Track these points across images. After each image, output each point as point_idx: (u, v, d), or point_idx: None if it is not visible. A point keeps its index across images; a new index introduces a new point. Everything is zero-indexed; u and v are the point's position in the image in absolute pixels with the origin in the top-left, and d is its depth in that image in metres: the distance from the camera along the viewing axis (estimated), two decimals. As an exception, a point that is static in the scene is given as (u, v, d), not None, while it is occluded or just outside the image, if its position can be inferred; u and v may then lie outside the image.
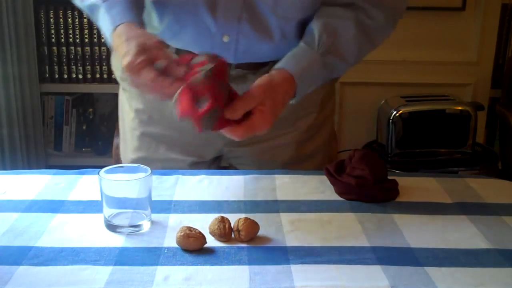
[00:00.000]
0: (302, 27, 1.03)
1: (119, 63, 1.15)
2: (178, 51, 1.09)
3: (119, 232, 0.83)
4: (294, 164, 1.16)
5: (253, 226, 0.82)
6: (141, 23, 0.95)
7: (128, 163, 1.19)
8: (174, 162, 1.14)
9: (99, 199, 0.85)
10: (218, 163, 1.20)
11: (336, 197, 0.97)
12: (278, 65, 0.96)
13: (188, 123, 1.11)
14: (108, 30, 0.94)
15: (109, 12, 0.95)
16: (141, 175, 0.85)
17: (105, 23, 0.96)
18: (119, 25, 0.92)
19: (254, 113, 0.88)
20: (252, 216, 0.85)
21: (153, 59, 0.84)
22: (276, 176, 1.04)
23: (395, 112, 2.21)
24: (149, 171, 0.85)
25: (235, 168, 1.20)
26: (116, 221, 0.84)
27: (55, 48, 2.49)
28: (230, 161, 1.19)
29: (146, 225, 0.85)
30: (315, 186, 1.01)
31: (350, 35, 0.98)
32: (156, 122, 1.14)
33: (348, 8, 1.00)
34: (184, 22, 1.02)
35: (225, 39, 1.01)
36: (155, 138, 1.16)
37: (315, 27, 0.99)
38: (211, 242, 0.81)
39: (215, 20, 1.00)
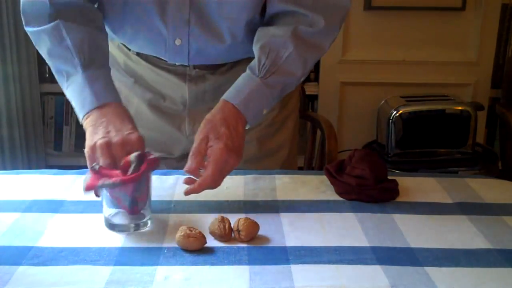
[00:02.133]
0: (251, 29, 1.04)
1: None
2: (138, 54, 1.12)
3: (119, 231, 0.83)
4: (258, 160, 1.17)
5: (253, 226, 0.82)
6: (121, 102, 0.95)
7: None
8: None
9: (99, 199, 0.85)
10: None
11: (336, 197, 0.97)
12: (223, 97, 0.97)
13: (155, 121, 1.13)
14: (86, 103, 0.91)
15: (91, 84, 0.92)
16: None
17: (82, 93, 0.92)
18: (107, 103, 0.91)
19: (209, 154, 0.90)
20: (252, 216, 0.85)
21: (113, 157, 0.85)
22: (276, 176, 1.04)
23: (395, 112, 2.21)
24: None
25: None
26: (116, 220, 0.84)
27: (55, 48, 2.48)
28: None
29: (146, 224, 0.85)
30: (315, 186, 1.01)
31: (289, 51, 0.98)
32: None
33: (286, 22, 1.00)
34: (137, 28, 1.04)
35: (177, 42, 1.03)
36: None
37: (255, 51, 1.00)
38: (211, 242, 0.81)
39: (165, 25, 1.01)
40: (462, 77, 2.49)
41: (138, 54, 1.12)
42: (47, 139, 2.61)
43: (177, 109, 1.14)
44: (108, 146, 0.85)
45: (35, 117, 2.47)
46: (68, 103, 2.70)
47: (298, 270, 0.74)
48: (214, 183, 0.89)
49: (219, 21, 1.01)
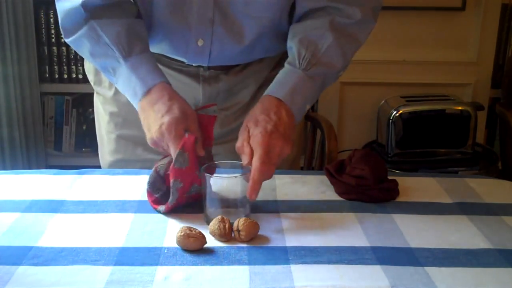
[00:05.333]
0: (275, 29, 1.04)
1: (92, 67, 1.16)
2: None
3: None
4: None
5: (253, 226, 0.82)
6: (170, 85, 0.95)
7: (106, 165, 1.20)
8: (151, 162, 1.14)
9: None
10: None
11: (336, 197, 0.97)
12: (265, 93, 0.97)
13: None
14: (137, 90, 0.93)
15: (135, 71, 0.94)
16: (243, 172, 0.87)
17: (130, 82, 0.95)
18: (154, 85, 0.92)
19: (251, 144, 0.88)
20: (252, 216, 0.85)
21: (188, 128, 0.88)
22: (276, 176, 1.04)
23: (395, 112, 2.21)
24: (250, 168, 0.86)
25: None
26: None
27: (55, 48, 2.48)
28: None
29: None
30: (315, 186, 1.01)
31: (329, 43, 0.98)
32: (132, 125, 1.14)
33: (321, 15, 1.00)
34: (158, 29, 1.03)
35: (200, 43, 1.02)
36: (131, 140, 1.16)
37: (293, 45, 0.99)
38: (211, 242, 0.81)
39: (188, 25, 1.00)
40: (462, 77, 2.49)
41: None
42: (47, 139, 2.61)
43: None
44: (162, 133, 0.88)
45: (35, 117, 2.47)
46: (68, 103, 2.70)
47: (298, 270, 0.74)
48: (265, 167, 0.85)
49: (244, 20, 1.00)
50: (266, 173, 0.86)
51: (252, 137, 0.88)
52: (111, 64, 0.97)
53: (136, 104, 0.94)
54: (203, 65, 1.07)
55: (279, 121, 0.91)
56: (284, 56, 1.13)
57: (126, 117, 1.15)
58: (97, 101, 1.22)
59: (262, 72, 1.12)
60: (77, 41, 0.99)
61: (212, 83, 1.10)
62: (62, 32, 1.01)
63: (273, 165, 0.87)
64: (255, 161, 0.85)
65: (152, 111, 0.90)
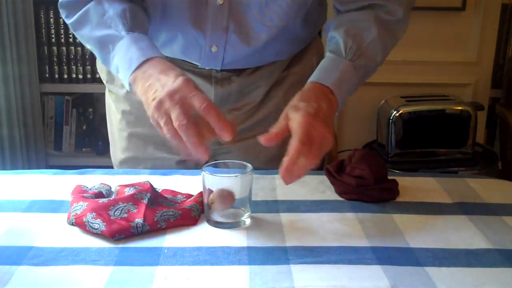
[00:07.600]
0: (288, 34, 1.05)
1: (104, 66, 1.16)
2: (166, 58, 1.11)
3: (219, 228, 0.85)
4: (279, 159, 1.16)
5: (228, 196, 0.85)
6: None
7: (118, 163, 1.21)
8: (162, 160, 1.15)
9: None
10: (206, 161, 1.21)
11: (336, 197, 0.97)
12: (311, 79, 0.93)
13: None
14: (134, 61, 0.89)
15: (136, 43, 0.91)
16: (243, 172, 0.87)
17: (127, 53, 0.90)
18: (154, 57, 0.89)
19: (290, 127, 0.82)
20: (252, 216, 0.85)
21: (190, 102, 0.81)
22: (276, 176, 1.04)
23: (395, 112, 2.21)
24: (250, 168, 0.87)
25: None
26: (216, 218, 0.86)
27: (55, 48, 2.49)
28: (217, 159, 1.21)
29: (247, 221, 0.87)
30: (315, 186, 1.01)
31: (373, 36, 0.98)
32: (143, 123, 1.14)
33: (366, 9, 1.00)
34: (173, 34, 1.04)
35: (213, 49, 1.03)
36: (142, 138, 1.16)
37: (337, 35, 0.98)
38: (211, 241, 0.81)
39: (203, 32, 1.01)
40: (462, 77, 2.49)
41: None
42: (47, 139, 2.61)
43: None
44: (161, 104, 0.81)
45: (35, 117, 2.47)
46: (68, 103, 2.70)
47: (298, 270, 0.74)
48: (304, 148, 0.78)
49: (257, 27, 1.01)
50: (303, 152, 0.79)
51: (290, 121, 0.83)
52: (111, 37, 0.94)
53: (128, 75, 0.89)
54: (217, 69, 1.08)
55: (319, 108, 0.85)
56: (295, 58, 1.14)
57: (138, 115, 1.15)
58: (109, 99, 1.22)
59: (274, 74, 1.13)
60: (81, 18, 0.97)
61: (224, 85, 1.11)
62: (61, 12, 0.98)
63: (314, 147, 0.80)
64: (294, 143, 0.79)
65: (160, 74, 0.85)
